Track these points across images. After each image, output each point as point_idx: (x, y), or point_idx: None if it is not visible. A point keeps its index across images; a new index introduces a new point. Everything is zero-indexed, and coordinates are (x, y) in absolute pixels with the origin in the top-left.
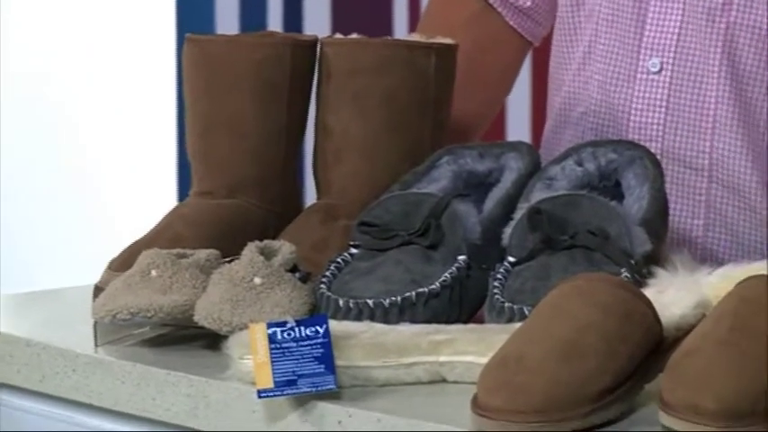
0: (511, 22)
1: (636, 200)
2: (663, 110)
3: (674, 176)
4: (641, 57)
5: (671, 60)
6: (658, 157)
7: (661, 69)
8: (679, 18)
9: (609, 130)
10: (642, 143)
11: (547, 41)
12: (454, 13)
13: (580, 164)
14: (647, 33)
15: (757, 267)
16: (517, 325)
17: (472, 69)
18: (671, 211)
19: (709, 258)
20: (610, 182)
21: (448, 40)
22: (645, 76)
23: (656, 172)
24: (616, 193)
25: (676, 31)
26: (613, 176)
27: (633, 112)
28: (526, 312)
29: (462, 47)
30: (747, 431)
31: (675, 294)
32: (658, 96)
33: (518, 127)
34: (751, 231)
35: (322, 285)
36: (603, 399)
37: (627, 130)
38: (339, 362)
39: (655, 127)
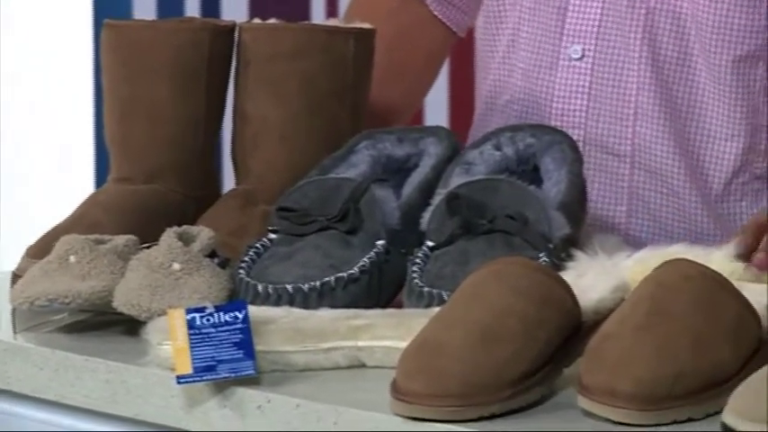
0: (435, 12)
1: (554, 184)
2: (585, 96)
3: (596, 163)
4: (563, 44)
5: (592, 47)
6: (580, 143)
7: (582, 56)
8: (600, 5)
9: (533, 118)
10: (564, 130)
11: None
12: (379, 1)
13: (498, 148)
14: (568, 21)
15: (674, 251)
16: (436, 310)
17: (395, 58)
18: (594, 198)
19: (633, 245)
20: (528, 166)
21: (366, 25)
22: (567, 63)
23: (574, 156)
24: (534, 177)
25: (597, 17)
26: (532, 161)
27: (555, 99)
28: (445, 297)
29: (385, 35)
30: (664, 414)
31: (594, 278)
32: (580, 83)
33: (436, 112)
34: (674, 217)
35: (241, 271)
36: (523, 383)
37: (549, 117)
38: (258, 347)
39: (577, 113)
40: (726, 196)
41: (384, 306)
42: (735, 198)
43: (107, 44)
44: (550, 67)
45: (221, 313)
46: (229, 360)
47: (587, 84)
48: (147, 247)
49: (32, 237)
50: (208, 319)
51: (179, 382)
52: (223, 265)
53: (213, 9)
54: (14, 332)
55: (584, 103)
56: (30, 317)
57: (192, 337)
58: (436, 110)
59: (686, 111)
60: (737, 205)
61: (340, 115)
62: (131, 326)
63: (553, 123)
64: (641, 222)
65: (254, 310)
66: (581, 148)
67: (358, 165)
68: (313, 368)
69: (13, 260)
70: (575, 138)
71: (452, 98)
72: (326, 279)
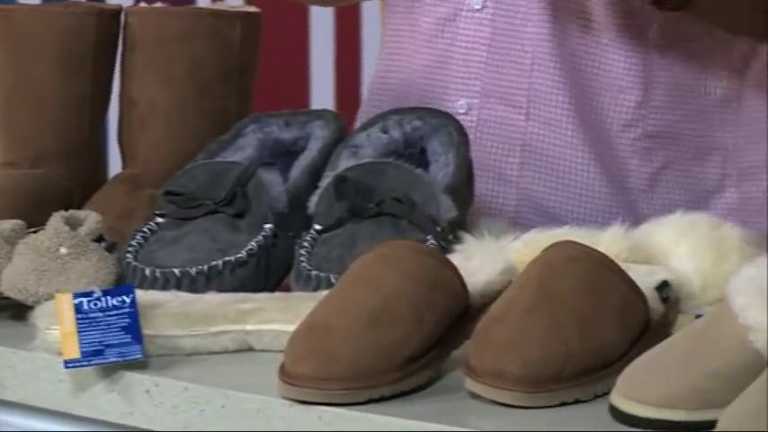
0: None
1: (441, 167)
2: (485, 47)
3: (492, 114)
4: None
5: None
6: (478, 94)
7: (483, 7)
8: None
9: (436, 70)
10: (465, 81)
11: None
12: None
13: (386, 131)
14: None
15: (562, 233)
16: (324, 293)
17: None
18: (488, 150)
19: (525, 197)
20: (415, 149)
21: (253, 8)
22: (468, 13)
23: (461, 139)
24: (422, 160)
25: None
26: (419, 144)
27: (457, 50)
28: (333, 280)
29: None
30: (552, 395)
31: (481, 261)
32: (480, 34)
33: (322, 95)
34: (565, 170)
35: (128, 255)
36: (411, 366)
37: (451, 68)
38: (146, 331)
39: (476, 64)
40: (616, 151)
41: (272, 289)
42: (626, 154)
43: None
44: (453, 19)
45: (109, 297)
46: (117, 344)
47: (488, 35)
48: (34, 232)
49: None
50: (95, 304)
51: (67, 367)
52: (110, 249)
53: None
54: None
55: (484, 53)
56: None
57: (80, 321)
58: (322, 93)
59: (581, 63)
60: (628, 162)
61: (227, 98)
62: (18, 310)
63: (454, 75)
64: (533, 174)
65: (141, 295)
66: (478, 100)
67: (245, 148)
68: (201, 352)
69: None
70: (473, 88)
71: (338, 82)
72: (214, 263)
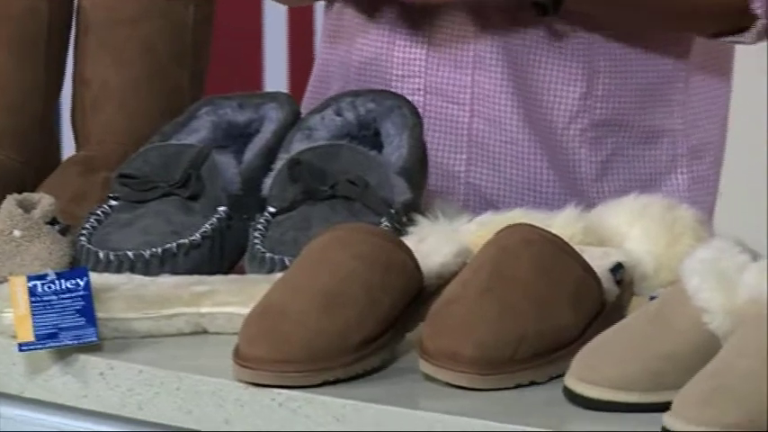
0: None
1: (395, 149)
2: (425, 45)
3: (437, 111)
4: None
5: None
6: (421, 92)
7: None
8: None
9: (373, 68)
10: (406, 78)
11: None
12: None
13: (339, 114)
14: None
15: (516, 215)
16: (278, 275)
17: None
18: (434, 147)
19: (473, 193)
20: (369, 131)
21: None
22: (407, 12)
23: (414, 121)
24: (375, 142)
25: None
26: (372, 126)
27: (397, 47)
28: (287, 263)
29: None
30: (507, 378)
31: (436, 243)
32: (419, 31)
33: (276, 78)
34: (513, 165)
35: (82, 238)
36: (365, 348)
37: (391, 66)
38: (100, 314)
39: (417, 62)
40: (564, 143)
41: (226, 272)
42: (574, 145)
43: None
44: (393, 17)
45: (63, 280)
46: (71, 327)
47: (426, 32)
48: None
49: None
50: (49, 287)
51: (21, 350)
52: (64, 231)
53: None
54: None
55: (425, 51)
56: None
57: (34, 304)
58: (275, 76)
59: (524, 58)
60: (577, 152)
61: (181, 80)
62: None
63: (395, 72)
64: (481, 170)
65: (95, 278)
66: (422, 97)
67: (199, 131)
68: (155, 335)
69: None
70: (415, 86)
71: (291, 65)
72: (168, 245)
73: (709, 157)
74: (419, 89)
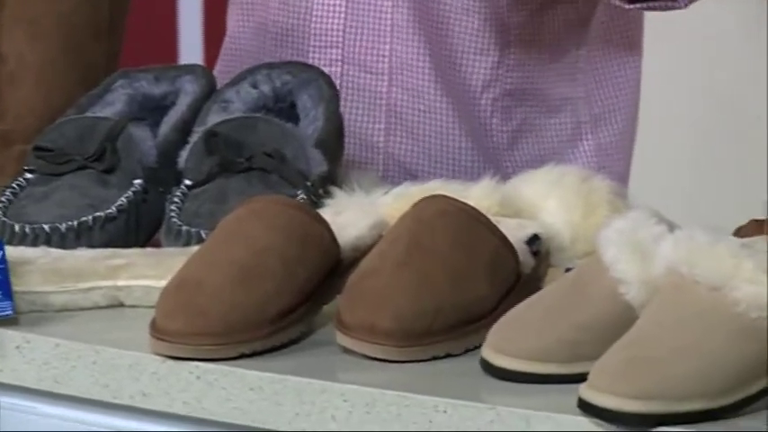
0: None
1: (311, 121)
2: (342, 15)
3: (355, 82)
4: None
5: None
6: (339, 63)
7: None
8: None
9: (289, 39)
10: (324, 49)
11: None
12: None
13: (255, 86)
14: None
15: (432, 187)
16: (195, 248)
17: None
18: (353, 117)
19: (392, 163)
20: (285, 104)
21: None
22: None
23: (331, 93)
24: (292, 114)
25: None
26: (288, 98)
27: (314, 18)
28: (203, 236)
29: None
30: (423, 350)
31: (352, 215)
32: (337, 2)
33: (191, 51)
34: (431, 134)
35: None
36: (282, 320)
37: (309, 36)
38: (16, 288)
39: (335, 33)
40: (478, 112)
41: (142, 245)
42: (486, 114)
43: None
44: None
45: None
46: None
47: (344, 2)
48: None
49: None
50: None
51: None
52: None
53: None
54: None
55: (342, 21)
56: None
57: None
58: (191, 49)
59: (439, 27)
60: (489, 122)
61: (97, 54)
62: None
63: (312, 44)
64: (399, 140)
65: (11, 251)
66: (339, 67)
67: (114, 103)
68: (72, 308)
69: None
70: (333, 57)
71: (206, 38)
72: (84, 218)
73: (615, 125)
74: (337, 59)
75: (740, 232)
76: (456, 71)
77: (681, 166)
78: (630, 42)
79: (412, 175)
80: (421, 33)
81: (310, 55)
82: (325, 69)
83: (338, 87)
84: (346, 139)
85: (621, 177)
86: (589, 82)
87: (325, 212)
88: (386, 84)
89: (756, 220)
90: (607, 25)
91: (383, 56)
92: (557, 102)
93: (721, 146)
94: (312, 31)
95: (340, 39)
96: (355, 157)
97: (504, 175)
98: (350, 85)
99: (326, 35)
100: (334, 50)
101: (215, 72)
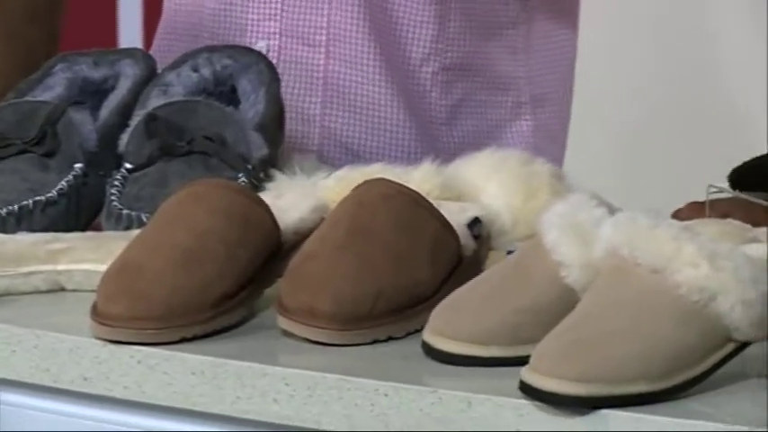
0: None
1: (252, 105)
2: None
3: (292, 54)
4: None
5: None
6: (276, 35)
7: None
8: None
9: (228, 13)
10: (262, 22)
11: None
12: None
13: (196, 70)
14: None
15: (373, 170)
16: (136, 232)
17: None
18: (290, 90)
19: (328, 136)
20: (226, 87)
21: None
22: None
23: (271, 76)
24: (232, 98)
25: None
26: (229, 82)
27: None
28: (144, 219)
29: None
30: (365, 333)
31: (293, 199)
32: None
33: (130, 35)
34: (368, 107)
35: None
36: (224, 304)
37: (247, 10)
38: None
39: (273, 5)
40: (417, 86)
41: (83, 229)
42: (426, 88)
43: None
44: None
45: None
46: None
47: None
48: None
49: None
50: None
51: None
52: None
53: None
54: None
55: None
56: None
57: None
58: (130, 33)
59: None
60: (428, 96)
61: (35, 39)
62: None
63: (250, 17)
64: (336, 113)
65: None
66: (277, 40)
67: (54, 87)
68: (12, 293)
69: None
70: (271, 29)
71: (146, 21)
72: (24, 203)
73: (551, 107)
74: (275, 32)
75: (679, 214)
76: (395, 43)
77: (617, 148)
78: (568, 22)
79: (348, 149)
80: (359, 5)
81: (248, 28)
82: (263, 43)
83: (276, 61)
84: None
85: (558, 159)
86: (530, 62)
87: (266, 196)
88: (323, 56)
89: (695, 202)
90: (548, 6)
91: (321, 27)
92: (497, 79)
93: (660, 128)
94: (250, 5)
95: (278, 11)
96: (291, 131)
97: (442, 150)
98: (287, 58)
99: (264, 8)
100: (272, 23)
101: (152, 49)
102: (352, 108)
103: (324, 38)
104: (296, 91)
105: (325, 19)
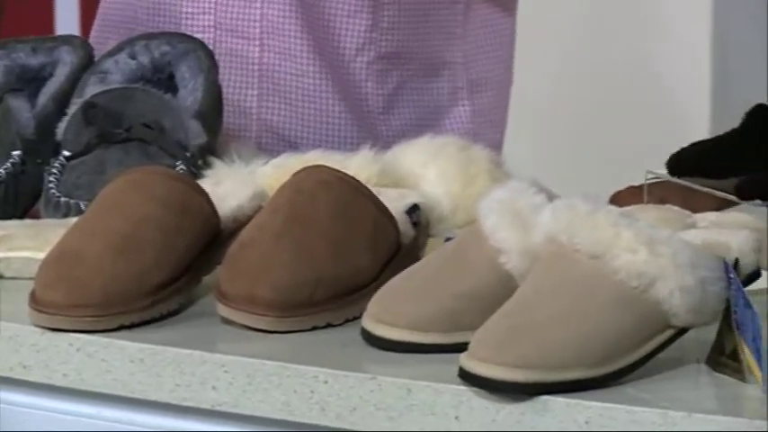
0: None
1: (190, 92)
2: None
3: (227, 47)
4: None
5: None
6: (211, 28)
7: None
8: None
9: (163, 7)
10: (196, 16)
11: None
12: None
13: (134, 57)
14: None
15: (311, 158)
16: (74, 220)
17: None
18: (226, 83)
19: (265, 128)
20: (164, 74)
21: None
22: None
23: (209, 64)
24: (170, 85)
25: None
26: (167, 69)
27: None
28: (83, 207)
29: None
30: (304, 320)
31: (232, 186)
32: None
33: (67, 21)
34: (304, 98)
35: None
36: (162, 292)
37: (181, 3)
38: None
39: None
40: (352, 76)
41: (21, 217)
42: (361, 78)
43: None
44: None
45: None
46: None
47: None
48: None
49: None
50: None
51: None
52: None
53: None
54: None
55: None
56: None
57: None
58: (67, 19)
59: None
60: (364, 85)
61: None
62: None
63: (185, 10)
64: (272, 105)
65: None
66: (212, 34)
67: None
68: None
69: None
70: (206, 23)
71: (83, 8)
72: None
73: (489, 92)
74: (209, 26)
75: (618, 199)
76: (329, 34)
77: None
78: (506, 6)
79: (285, 141)
80: None
81: (183, 22)
82: (199, 36)
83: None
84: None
85: (496, 145)
86: (467, 47)
87: (205, 183)
88: (258, 49)
89: (634, 187)
90: None
91: (254, 20)
92: (433, 66)
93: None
94: None
95: (212, 5)
96: (229, 124)
97: (380, 139)
98: (223, 51)
99: (199, 2)
100: (206, 17)
101: (89, 41)
102: (289, 100)
103: (258, 31)
104: (232, 84)
105: (258, 12)
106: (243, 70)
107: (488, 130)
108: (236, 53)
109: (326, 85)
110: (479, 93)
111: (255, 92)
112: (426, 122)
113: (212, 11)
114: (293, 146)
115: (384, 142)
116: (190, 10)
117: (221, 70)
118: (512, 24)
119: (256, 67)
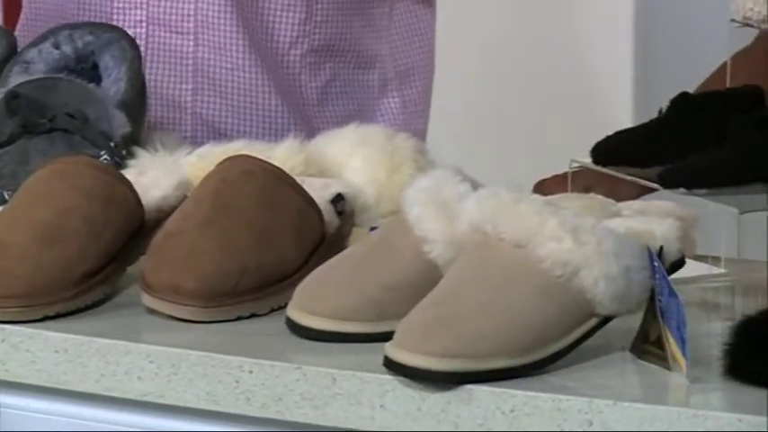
0: None
1: (114, 82)
2: None
3: (160, 42)
4: None
5: None
6: (143, 23)
7: None
8: None
9: (93, 2)
10: (128, 10)
11: None
12: None
13: (57, 47)
14: None
15: (237, 147)
16: None
17: None
18: (160, 78)
19: (201, 122)
20: (87, 64)
21: None
22: None
23: (133, 53)
24: (94, 75)
25: None
26: (91, 59)
27: None
28: (6, 197)
29: None
30: (228, 310)
31: (156, 176)
32: None
33: None
34: (239, 92)
35: None
36: (86, 282)
37: None
38: None
39: None
40: (287, 69)
41: None
42: (295, 71)
43: None
44: None
45: None
46: None
47: None
48: None
49: None
50: None
51: None
52: None
53: None
54: None
55: None
56: None
57: None
58: None
59: None
60: (298, 78)
61: None
62: None
63: (115, 5)
64: (207, 100)
65: None
66: (144, 29)
67: None
68: None
69: None
70: (137, 18)
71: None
72: None
73: (417, 82)
74: (141, 21)
75: (542, 187)
76: (263, 28)
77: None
78: (427, 3)
79: (221, 135)
80: None
81: (114, 17)
82: (130, 31)
83: (144, 49)
84: (154, 102)
85: (422, 134)
86: (393, 39)
87: (129, 173)
88: (192, 43)
89: (558, 175)
90: None
91: (188, 15)
92: (364, 58)
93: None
94: None
95: (144, 0)
96: (164, 119)
97: (316, 132)
98: (156, 46)
99: None
100: (138, 11)
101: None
102: (224, 94)
103: (192, 25)
104: (166, 78)
105: (192, 6)
106: (177, 65)
107: (416, 121)
108: (170, 48)
109: (261, 79)
110: (407, 84)
111: (190, 86)
112: (359, 115)
113: (144, 5)
114: (229, 140)
115: (319, 134)
116: (121, 4)
117: (155, 65)
118: (432, 13)
119: (191, 62)
